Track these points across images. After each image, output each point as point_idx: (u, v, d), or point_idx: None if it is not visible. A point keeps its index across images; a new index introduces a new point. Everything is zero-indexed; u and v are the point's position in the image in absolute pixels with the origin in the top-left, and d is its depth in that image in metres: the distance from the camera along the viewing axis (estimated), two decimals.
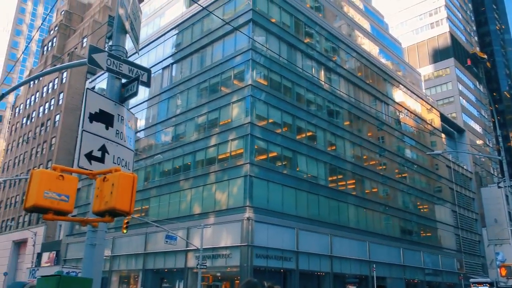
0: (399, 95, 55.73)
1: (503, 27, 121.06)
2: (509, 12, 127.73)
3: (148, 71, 6.91)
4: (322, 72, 43.87)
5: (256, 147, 34.56)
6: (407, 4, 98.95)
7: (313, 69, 42.73)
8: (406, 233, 48.94)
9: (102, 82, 53.86)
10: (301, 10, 42.79)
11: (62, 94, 61.20)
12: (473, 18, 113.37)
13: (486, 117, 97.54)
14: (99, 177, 4.84)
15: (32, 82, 68.51)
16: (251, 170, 33.05)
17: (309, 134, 39.73)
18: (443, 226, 55.71)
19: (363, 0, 60.89)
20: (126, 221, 25.66)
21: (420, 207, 53.04)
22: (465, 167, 68.33)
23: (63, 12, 79.79)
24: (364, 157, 45.89)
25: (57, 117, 60.47)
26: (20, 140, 69.76)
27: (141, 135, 45.30)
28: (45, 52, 77.66)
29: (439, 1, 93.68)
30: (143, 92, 44.70)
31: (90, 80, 58.25)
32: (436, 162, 59.20)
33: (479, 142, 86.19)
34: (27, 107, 71.53)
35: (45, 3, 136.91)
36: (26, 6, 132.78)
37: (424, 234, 52.28)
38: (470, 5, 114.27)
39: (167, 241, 32.08)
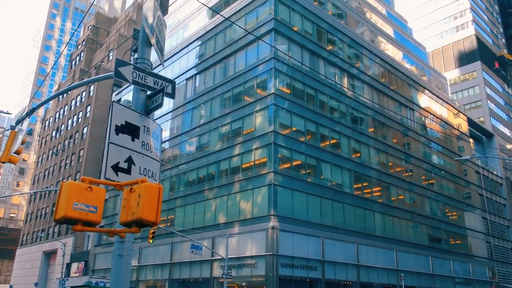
0: (424, 100, 54.79)
1: None
2: None
3: (172, 82, 7.00)
4: (345, 79, 43.58)
5: (280, 155, 34.49)
6: (431, 8, 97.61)
7: (336, 76, 42.49)
8: (435, 241, 47.77)
9: (128, 94, 54.93)
10: (323, 17, 42.72)
11: (89, 106, 62.65)
12: (499, 20, 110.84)
13: None
14: (126, 188, 4.91)
15: (61, 96, 70.43)
16: (275, 178, 32.97)
17: (333, 141, 39.42)
18: (473, 234, 54.15)
19: (386, 5, 60.40)
20: (152, 231, 25.92)
21: (449, 214, 51.75)
22: (495, 172, 66.40)
23: (90, 27, 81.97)
24: (390, 163, 45.18)
25: (85, 129, 61.86)
26: (50, 153, 71.61)
27: (166, 145, 45.86)
28: (73, 66, 79.84)
29: (464, 4, 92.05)
30: (167, 103, 45.35)
31: (116, 92, 59.47)
32: (465, 167, 57.75)
33: (509, 146, 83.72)
34: (56, 120, 73.49)
35: (73, 19, 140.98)
36: (55, 22, 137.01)
37: (453, 242, 50.92)
38: (496, 7, 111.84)
39: (192, 251, 32.22)
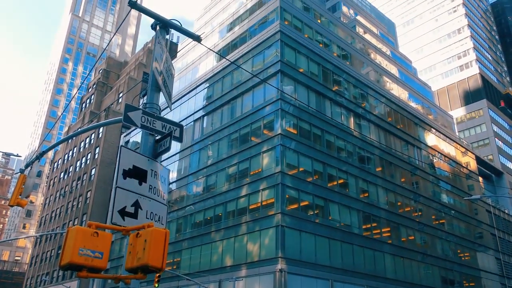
0: (431, 138, 54.74)
1: None
2: None
3: (180, 126, 7.10)
4: (352, 118, 43.85)
5: (287, 196, 34.25)
6: (434, 48, 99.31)
7: (343, 116, 42.79)
8: (447, 282, 46.34)
9: (136, 135, 55.56)
10: (328, 59, 43.57)
11: (98, 148, 63.25)
12: (503, 59, 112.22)
13: None
14: (133, 233, 4.89)
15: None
16: (282, 220, 32.60)
17: (340, 181, 39.19)
18: (487, 275, 52.51)
19: (390, 46, 61.58)
20: (158, 275, 25.46)
21: (461, 255, 50.46)
22: (506, 211, 65.18)
23: (101, 71, 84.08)
24: (399, 203, 44.61)
25: (93, 171, 62.18)
26: (57, 194, 71.74)
27: (173, 186, 45.83)
28: (83, 109, 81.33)
29: (467, 43, 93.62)
30: (175, 145, 45.71)
31: (124, 134, 60.17)
32: (475, 206, 56.82)
33: None
34: (65, 161, 74.08)
35: (85, 63, 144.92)
36: (67, 66, 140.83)
37: (467, 284, 49.33)
38: (499, 46, 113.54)
39: None
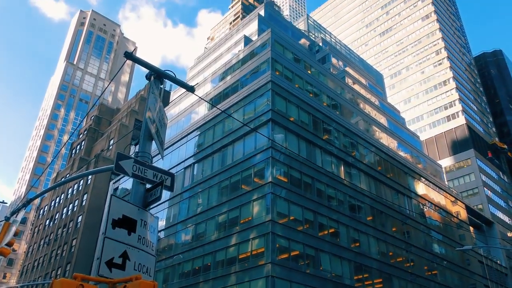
0: (421, 188, 54.96)
1: None
2: None
3: (171, 175, 7.11)
4: (342, 167, 44.10)
5: (277, 245, 33.71)
6: (421, 99, 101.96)
7: (333, 165, 43.04)
8: None
9: (125, 182, 55.06)
10: (319, 108, 44.39)
11: (86, 195, 62.36)
12: (488, 110, 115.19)
13: None
14: (119, 286, 4.77)
15: None
16: (272, 270, 31.88)
17: (331, 230, 38.79)
18: None
19: (378, 97, 63.07)
20: None
21: None
22: (498, 262, 64.53)
23: (93, 117, 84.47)
24: (390, 253, 44.04)
25: (79, 218, 60.95)
26: (42, 242, 69.80)
27: (161, 235, 44.95)
28: (73, 155, 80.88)
29: (453, 95, 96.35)
30: (164, 192, 45.14)
31: (114, 180, 59.60)
32: (467, 257, 56.24)
33: (510, 234, 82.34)
34: (51, 208, 72.69)
35: (77, 109, 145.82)
36: (59, 112, 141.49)
37: None
38: (484, 97, 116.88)
39: None
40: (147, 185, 6.71)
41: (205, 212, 40.85)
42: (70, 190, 68.70)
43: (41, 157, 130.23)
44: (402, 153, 56.12)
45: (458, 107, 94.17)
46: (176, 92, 61.85)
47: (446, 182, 69.72)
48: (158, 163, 46.55)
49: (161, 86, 8.50)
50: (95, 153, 71.60)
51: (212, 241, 38.22)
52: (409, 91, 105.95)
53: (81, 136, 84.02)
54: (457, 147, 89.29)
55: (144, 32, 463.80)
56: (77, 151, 79.50)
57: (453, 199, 61.43)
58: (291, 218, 35.98)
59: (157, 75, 8.03)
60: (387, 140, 54.41)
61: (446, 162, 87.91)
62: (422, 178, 56.04)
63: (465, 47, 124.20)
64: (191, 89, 8.55)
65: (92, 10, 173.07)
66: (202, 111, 49.56)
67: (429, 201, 54.65)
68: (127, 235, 5.85)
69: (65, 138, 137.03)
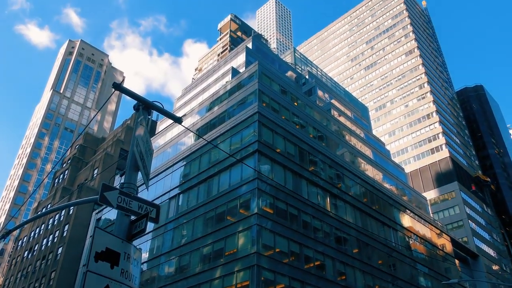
0: (406, 220, 55.07)
1: (501, 150, 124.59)
2: (505, 137, 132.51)
3: (157, 207, 7.04)
4: (328, 199, 44.10)
5: (262, 278, 33.14)
6: (406, 132, 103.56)
7: (319, 196, 43.02)
8: None
9: (108, 213, 54.09)
10: (305, 140, 44.72)
11: (67, 226, 60.96)
12: (471, 143, 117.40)
13: (499, 241, 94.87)
14: None
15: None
16: None
17: (317, 263, 38.38)
18: None
19: (364, 129, 63.90)
20: None
21: None
22: None
23: (77, 146, 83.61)
24: (376, 286, 43.59)
25: (60, 250, 59.33)
26: (19, 275, 67.48)
27: (144, 267, 43.89)
28: (55, 184, 79.45)
29: (437, 128, 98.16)
30: (148, 223, 44.43)
31: (97, 211, 58.53)
32: None
33: (495, 267, 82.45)
34: (31, 239, 70.73)
35: (62, 138, 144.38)
36: (43, 141, 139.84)
37: None
38: (466, 131, 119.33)
39: None
40: (131, 216, 6.62)
41: (189, 244, 40.18)
42: (50, 221, 67.11)
43: (22, 186, 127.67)
44: (387, 185, 56.46)
45: (441, 140, 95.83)
46: (163, 122, 61.87)
47: (431, 215, 70.04)
48: (143, 193, 46.02)
49: (149, 117, 8.52)
50: (79, 182, 70.51)
51: (196, 274, 37.44)
52: (393, 123, 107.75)
53: (64, 165, 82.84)
54: (441, 179, 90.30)
55: (130, 60, 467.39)
56: (60, 180, 78.18)
57: (438, 231, 61.58)
58: (277, 250, 35.57)
59: (144, 106, 8.06)
60: (372, 172, 54.80)
61: (431, 194, 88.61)
62: (407, 210, 56.24)
63: (447, 81, 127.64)
64: (178, 120, 8.59)
65: (81, 40, 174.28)
66: (189, 141, 49.51)
67: (414, 234, 54.67)
68: (110, 269, 5.72)
69: (48, 167, 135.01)
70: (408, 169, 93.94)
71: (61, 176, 78.69)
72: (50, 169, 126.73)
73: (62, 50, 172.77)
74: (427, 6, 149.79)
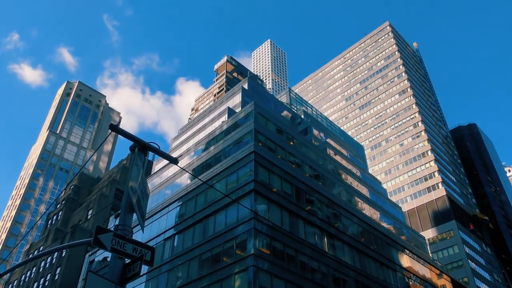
0: (405, 260, 54.21)
1: (498, 189, 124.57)
2: (501, 175, 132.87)
3: (151, 249, 6.96)
4: (325, 239, 43.53)
5: None
6: (402, 170, 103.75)
7: (316, 236, 42.48)
8: None
9: (102, 254, 53.01)
10: (301, 179, 44.64)
11: (59, 268, 59.54)
12: (467, 181, 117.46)
13: (500, 280, 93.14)
14: None
15: (30, 256, 67.20)
16: None
17: None
18: None
19: (360, 168, 64.00)
20: None
21: None
22: None
23: (72, 187, 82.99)
24: None
25: None
26: None
27: None
28: (49, 225, 78.23)
29: (432, 166, 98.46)
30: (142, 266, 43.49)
31: (90, 253, 57.39)
32: None
33: None
34: (21, 283, 68.83)
35: (56, 178, 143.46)
36: (38, 181, 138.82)
37: None
38: (462, 169, 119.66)
39: None
40: (126, 259, 6.52)
41: (184, 286, 39.19)
42: (42, 263, 65.59)
43: (15, 227, 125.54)
44: (385, 224, 55.95)
45: (438, 178, 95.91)
46: (159, 162, 61.83)
47: (430, 254, 69.08)
48: (138, 234, 45.31)
49: (145, 157, 8.56)
50: (72, 224, 69.50)
51: None
52: (389, 162, 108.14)
53: (58, 206, 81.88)
54: (439, 218, 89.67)
55: (122, 99, 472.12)
56: (54, 221, 77.05)
57: (438, 272, 60.52)
58: None
59: (140, 147, 8.11)
60: (369, 211, 54.44)
61: (429, 233, 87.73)
62: (406, 250, 55.48)
63: (441, 120, 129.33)
64: (174, 161, 8.63)
65: (79, 81, 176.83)
66: (185, 181, 49.32)
67: (414, 274, 53.67)
68: None
69: (42, 208, 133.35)
70: (405, 208, 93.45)
71: (55, 217, 77.62)
72: (44, 210, 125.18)
73: (60, 91, 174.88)
74: (418, 47, 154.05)
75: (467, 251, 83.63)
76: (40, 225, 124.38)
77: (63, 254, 60.91)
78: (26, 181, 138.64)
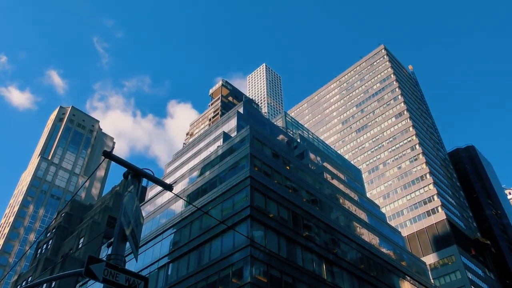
0: (406, 286, 53.54)
1: (499, 212, 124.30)
2: (502, 197, 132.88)
3: (145, 280, 6.85)
4: (324, 265, 43.03)
5: None
6: (400, 194, 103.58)
7: (314, 263, 42.00)
8: None
9: (94, 284, 52.06)
10: (298, 204, 44.43)
11: None
12: (467, 204, 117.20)
13: None
14: None
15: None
16: None
17: None
18: None
19: (358, 192, 63.87)
20: None
21: None
22: None
23: (63, 214, 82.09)
24: None
25: None
26: None
27: None
28: (38, 255, 76.95)
29: (431, 190, 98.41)
30: None
31: (81, 283, 56.34)
32: None
33: None
34: None
35: (47, 206, 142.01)
36: (28, 209, 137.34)
37: None
38: (461, 192, 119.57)
39: None
40: None
41: None
42: None
43: (2, 257, 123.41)
44: (384, 250, 55.48)
45: (437, 201, 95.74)
46: (153, 188, 61.50)
47: (432, 280, 68.32)
48: (131, 262, 44.65)
49: (139, 184, 8.51)
50: (63, 253, 68.44)
51: None
52: (387, 186, 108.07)
53: (49, 234, 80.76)
54: (439, 243, 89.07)
55: (113, 122, 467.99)
56: (43, 250, 75.83)
57: None
58: None
59: (134, 174, 8.09)
60: (368, 237, 54.05)
61: (430, 258, 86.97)
62: (407, 276, 54.87)
63: (438, 142, 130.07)
64: (169, 188, 8.59)
65: (72, 106, 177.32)
66: (179, 207, 48.97)
67: None
68: None
69: (32, 236, 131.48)
70: (404, 232, 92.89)
71: (45, 246, 76.45)
72: (34, 239, 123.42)
73: (52, 117, 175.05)
74: (413, 70, 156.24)
75: (470, 277, 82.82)
76: (29, 255, 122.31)
77: (53, 285, 59.76)
78: (16, 208, 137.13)
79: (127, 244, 7.41)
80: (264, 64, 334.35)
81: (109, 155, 7.83)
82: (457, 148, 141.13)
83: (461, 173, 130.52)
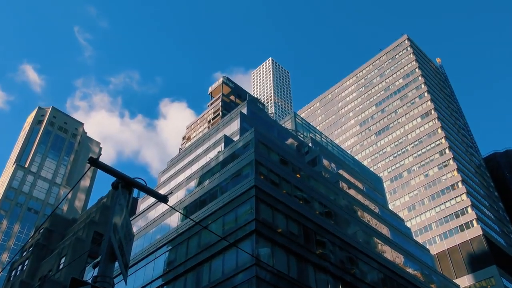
0: None
1: None
2: None
3: None
4: None
5: None
6: (428, 206, 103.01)
7: (329, 285, 41.95)
8: None
9: None
10: (310, 217, 44.45)
11: None
12: (508, 218, 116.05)
13: None
14: None
15: None
16: None
17: None
18: None
19: (378, 203, 63.77)
20: None
21: None
22: None
23: (42, 230, 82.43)
24: None
25: None
26: None
27: None
28: (12, 278, 77.19)
29: (464, 200, 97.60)
30: None
31: None
32: None
33: None
34: None
35: (23, 221, 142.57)
36: (1, 225, 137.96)
37: None
38: (500, 203, 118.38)
39: None
40: None
41: None
42: None
43: None
44: (410, 270, 55.28)
45: (471, 214, 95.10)
46: (145, 200, 61.73)
47: None
48: (120, 284, 44.77)
49: (130, 195, 8.61)
50: (41, 274, 68.66)
51: None
52: (413, 196, 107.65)
53: (25, 253, 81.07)
54: (475, 262, 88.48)
55: (97, 124, 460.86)
56: (18, 272, 76.05)
57: None
58: None
59: (125, 184, 8.19)
60: (391, 255, 53.90)
61: (465, 281, 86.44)
62: None
63: (472, 146, 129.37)
64: (164, 200, 8.70)
65: (53, 107, 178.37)
66: (175, 221, 49.12)
67: None
68: None
69: (5, 256, 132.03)
70: (434, 250, 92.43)
71: (20, 267, 76.67)
72: (7, 260, 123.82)
73: (29, 119, 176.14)
74: (442, 63, 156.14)
75: None
76: (1, 277, 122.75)
77: None
78: None
79: (116, 264, 7.50)
80: (270, 58, 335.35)
81: (96, 163, 7.94)
82: (494, 153, 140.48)
83: (499, 181, 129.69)
